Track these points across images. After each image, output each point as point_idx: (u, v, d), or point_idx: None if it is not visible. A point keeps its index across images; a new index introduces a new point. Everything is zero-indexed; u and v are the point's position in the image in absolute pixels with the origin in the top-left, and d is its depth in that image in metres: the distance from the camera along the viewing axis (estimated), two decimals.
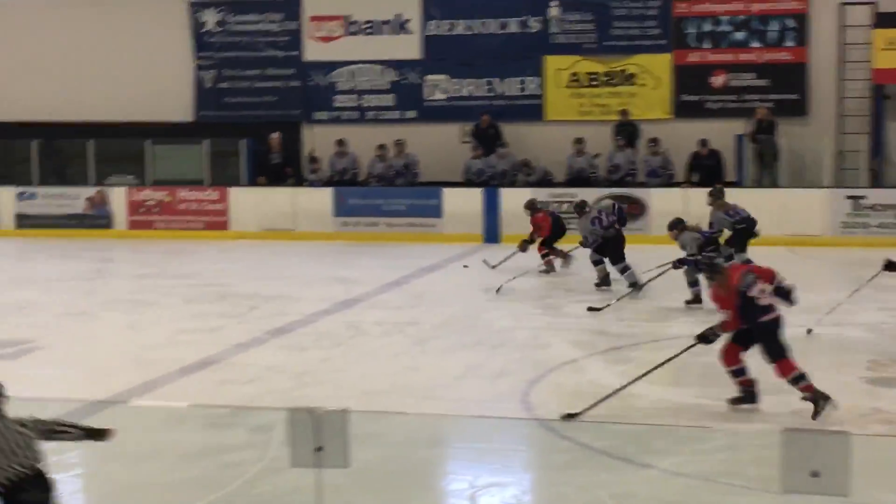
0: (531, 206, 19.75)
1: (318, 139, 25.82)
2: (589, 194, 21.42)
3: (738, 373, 10.52)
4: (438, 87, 25.56)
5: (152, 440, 10.08)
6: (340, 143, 25.27)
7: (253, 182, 25.23)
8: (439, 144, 25.07)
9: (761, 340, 10.26)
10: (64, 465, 9.55)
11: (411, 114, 25.67)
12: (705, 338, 10.44)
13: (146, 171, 25.47)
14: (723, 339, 10.52)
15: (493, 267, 19.27)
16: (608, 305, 15.70)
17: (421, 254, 20.60)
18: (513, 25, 25.24)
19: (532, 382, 11.57)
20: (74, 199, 25.19)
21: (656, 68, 24.71)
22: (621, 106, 24.60)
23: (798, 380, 10.19)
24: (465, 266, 20.18)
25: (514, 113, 25.09)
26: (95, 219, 25.04)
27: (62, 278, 19.44)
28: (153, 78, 26.12)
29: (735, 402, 10.55)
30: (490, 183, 24.04)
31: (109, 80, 26.29)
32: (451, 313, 15.67)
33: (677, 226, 15.92)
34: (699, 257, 14.95)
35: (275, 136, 25.39)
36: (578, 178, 23.88)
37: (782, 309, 10.44)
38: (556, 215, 19.78)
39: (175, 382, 12.22)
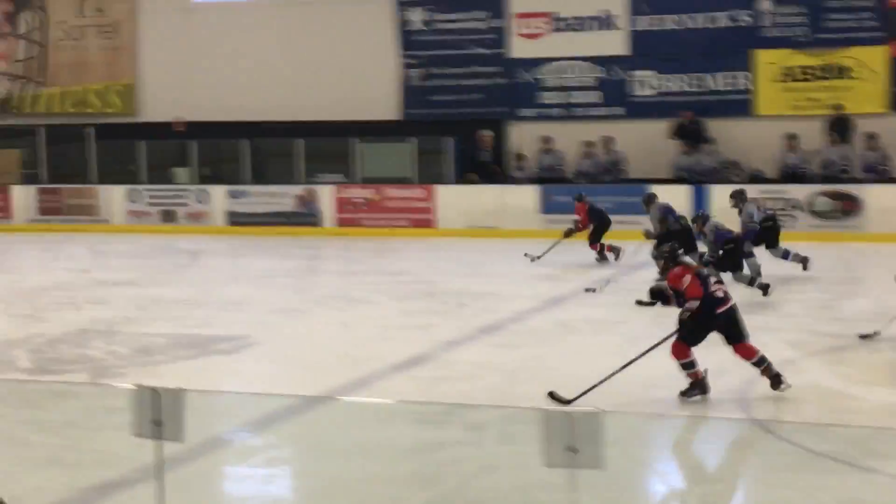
0: (577, 198, 20.20)
1: (523, 136, 25.72)
2: (801, 191, 20.80)
3: (689, 366, 10.79)
4: (645, 83, 25.20)
5: (366, 436, 10.10)
6: (546, 140, 25.15)
7: (459, 180, 25.26)
8: (646, 141, 24.71)
9: (721, 329, 10.71)
10: (277, 460, 9.65)
11: (618, 110, 25.37)
12: (684, 326, 10.70)
13: (353, 169, 25.74)
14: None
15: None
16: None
17: (628, 251, 20.27)
18: (722, 20, 24.71)
19: (750, 382, 11.23)
20: (283, 197, 25.60)
21: (872, 61, 23.91)
22: (834, 100, 23.87)
23: (759, 362, 10.78)
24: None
25: (722, 108, 24.57)
26: (304, 216, 25.40)
27: (273, 275, 19.73)
28: (360, 77, 26.39)
29: (686, 394, 10.80)
30: (698, 180, 23.60)
31: (317, 80, 26.65)
32: (663, 311, 15.35)
33: (697, 220, 16.72)
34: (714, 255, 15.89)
35: (486, 133, 25.41)
36: (791, 175, 23.26)
37: None
38: (598, 208, 20.07)
39: (387, 379, 12.24)
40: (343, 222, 25.19)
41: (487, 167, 25.35)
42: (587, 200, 20.25)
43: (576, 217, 20.12)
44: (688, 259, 11.39)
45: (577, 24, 25.48)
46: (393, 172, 25.39)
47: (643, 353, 10.92)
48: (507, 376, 12.14)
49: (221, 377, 12.52)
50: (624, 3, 25.13)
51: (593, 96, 25.52)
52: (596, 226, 19.99)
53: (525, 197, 24.00)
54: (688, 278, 10.72)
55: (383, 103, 26.35)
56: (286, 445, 10.18)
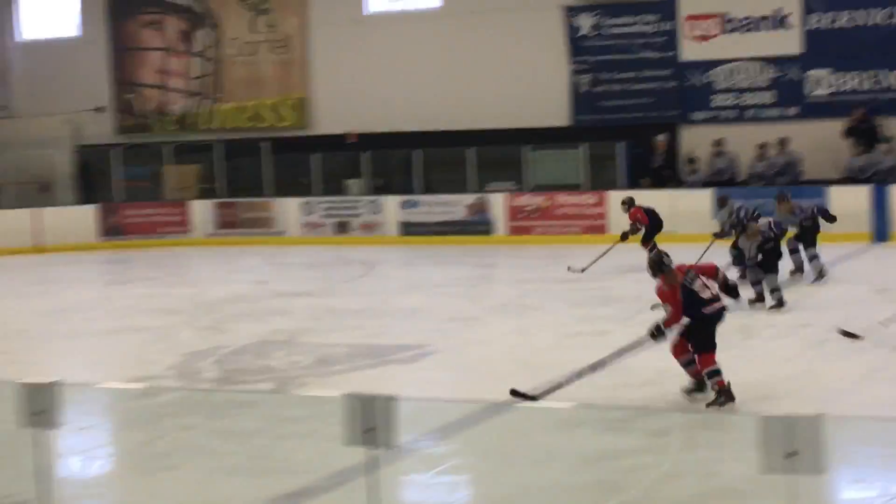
0: (628, 202, 20.20)
1: (695, 140, 25.43)
2: None
3: (689, 364, 10.96)
4: (821, 82, 24.70)
5: (548, 444, 10.07)
6: (718, 143, 24.83)
7: (631, 185, 25.07)
8: (822, 141, 24.22)
9: (697, 328, 10.78)
10: (459, 468, 9.66)
11: (792, 111, 24.92)
12: (654, 334, 10.95)
13: (524, 176, 25.74)
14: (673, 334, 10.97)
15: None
16: None
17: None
18: None
19: None
20: (455, 206, 25.73)
21: None
22: None
23: (713, 374, 10.70)
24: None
25: None
26: (476, 225, 25.50)
27: (447, 284, 19.83)
28: (530, 84, 26.39)
29: (689, 392, 11.00)
30: (876, 180, 23.03)
31: (487, 88, 26.73)
32: (844, 314, 15.02)
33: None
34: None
35: (661, 138, 25.22)
36: None
37: None
38: (652, 210, 20.13)
39: (565, 387, 12.18)
40: (515, 230, 25.20)
41: (660, 172, 25.12)
42: (639, 204, 20.27)
43: (632, 221, 20.08)
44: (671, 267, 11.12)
45: (749, 25, 25.10)
46: (564, 179, 25.33)
47: (615, 354, 11.52)
48: (687, 383, 11.98)
49: (400, 386, 12.60)
50: (797, 2, 24.68)
51: (766, 97, 25.11)
52: (650, 228, 20.05)
53: (698, 201, 23.70)
54: (666, 288, 10.94)
55: (553, 110, 26.31)
56: (468, 453, 10.20)
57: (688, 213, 23.65)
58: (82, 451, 10.28)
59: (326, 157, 27.53)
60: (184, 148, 28.96)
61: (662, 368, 12.59)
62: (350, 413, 6.52)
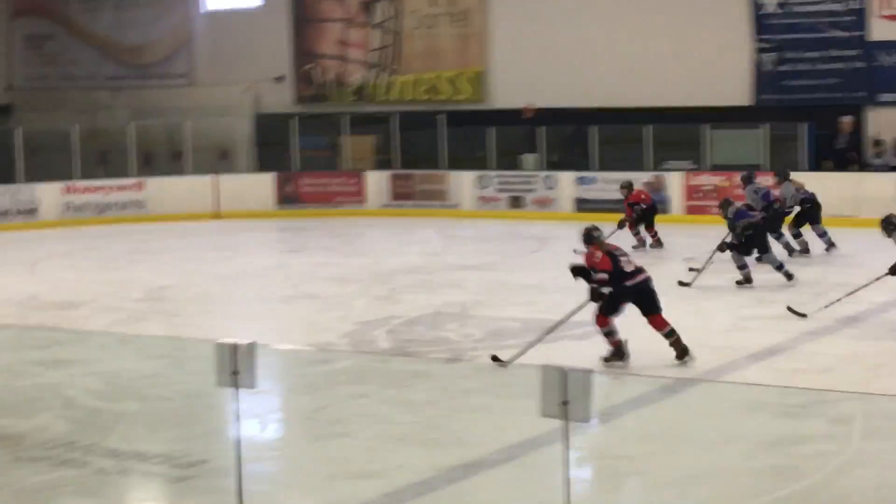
0: (628, 186, 21.06)
1: (882, 122, 24.69)
2: None
3: (609, 334, 12.05)
4: None
5: (723, 425, 9.89)
6: None
7: (814, 167, 24.47)
8: None
9: (635, 300, 12.01)
10: (630, 447, 9.52)
11: None
12: (595, 296, 11.88)
13: (703, 155, 25.33)
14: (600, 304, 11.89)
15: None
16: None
17: None
18: None
19: None
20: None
21: None
22: None
23: (670, 334, 12.00)
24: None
25: None
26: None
27: None
28: (711, 62, 25.93)
29: (607, 360, 12.01)
30: None
31: (668, 65, 26.35)
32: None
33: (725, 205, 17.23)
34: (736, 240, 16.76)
35: (846, 119, 24.55)
36: None
37: None
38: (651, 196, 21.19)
39: (744, 369, 11.95)
40: (691, 210, 24.83)
41: (843, 154, 24.46)
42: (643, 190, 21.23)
43: (634, 203, 20.78)
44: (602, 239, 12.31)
45: None
46: (744, 159, 24.80)
47: (566, 318, 12.27)
48: (868, 370, 11.67)
49: (573, 363, 12.48)
50: None
51: None
52: (648, 210, 20.85)
53: (883, 185, 23.02)
54: (598, 255, 11.94)
55: (734, 89, 25.82)
56: (642, 433, 10.06)
57: (872, 196, 22.95)
58: (258, 414, 10.43)
59: (502, 132, 27.46)
60: (361, 119, 29.18)
61: (841, 355, 12.29)
62: (546, 385, 6.46)
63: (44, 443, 9.78)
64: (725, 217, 17.23)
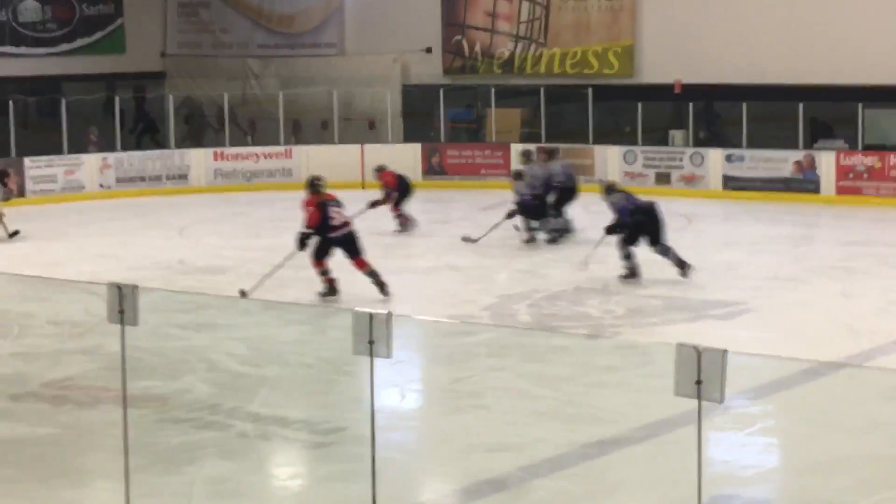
0: (379, 169, 21.34)
1: None
2: None
3: (323, 273, 14.36)
4: None
5: (869, 411, 9.68)
6: None
7: None
8: None
9: (341, 247, 14.31)
10: (773, 430, 9.35)
11: None
12: (300, 245, 14.37)
13: (857, 135, 24.75)
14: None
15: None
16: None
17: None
18: None
19: None
20: (781, 162, 24.96)
21: None
22: None
23: (372, 274, 14.32)
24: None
25: None
26: (802, 183, 24.67)
27: (768, 241, 19.29)
28: (868, 38, 25.28)
29: (322, 295, 14.30)
30: None
31: (820, 41, 25.75)
32: None
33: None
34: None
35: None
36: None
37: None
38: (402, 176, 21.23)
39: (891, 354, 11.69)
40: (842, 190, 24.29)
41: None
42: (390, 168, 21.29)
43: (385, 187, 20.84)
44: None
45: None
46: None
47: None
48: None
49: (715, 343, 12.30)
50: None
51: None
52: (400, 192, 20.88)
53: None
54: (310, 209, 14.24)
55: (893, 67, 25.14)
56: (783, 416, 9.90)
57: None
58: (397, 384, 10.49)
59: (650, 107, 27.13)
60: (508, 91, 29.06)
61: None
62: (681, 363, 6.38)
63: (188, 405, 9.98)
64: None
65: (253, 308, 14.15)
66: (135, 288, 6.62)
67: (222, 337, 12.60)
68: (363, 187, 26.17)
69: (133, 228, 21.12)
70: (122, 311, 6.71)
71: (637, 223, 15.72)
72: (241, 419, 9.53)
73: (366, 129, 29.41)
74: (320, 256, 14.37)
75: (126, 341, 7.30)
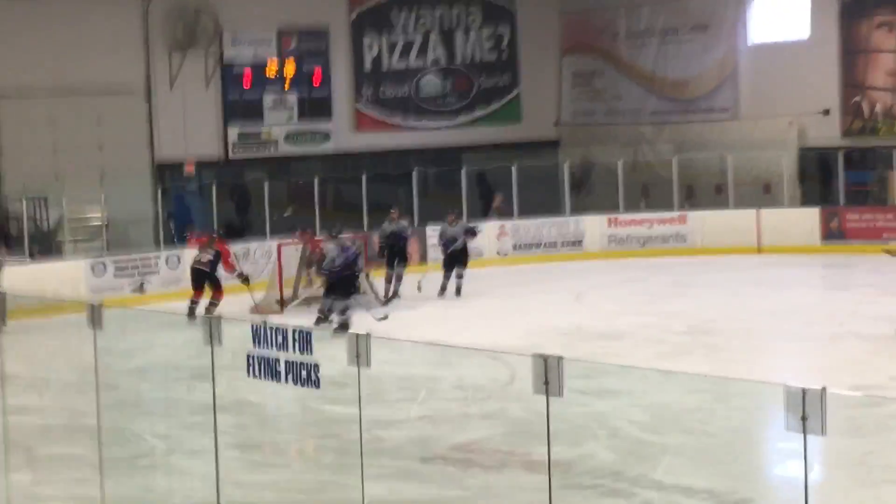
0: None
1: None
2: None
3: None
4: None
5: None
6: None
7: None
8: None
9: None
10: None
11: None
12: None
13: None
14: None
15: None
16: None
17: None
18: None
19: None
20: None
21: None
22: None
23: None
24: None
25: None
26: None
27: None
28: None
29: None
30: None
31: None
32: None
33: None
34: None
35: None
36: None
37: None
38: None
39: None
40: None
41: None
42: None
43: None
44: None
45: None
46: None
47: None
48: None
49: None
50: None
51: None
52: None
53: None
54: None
55: None
56: None
57: None
58: (800, 455, 10.18)
59: None
60: None
61: None
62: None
63: (591, 471, 10.03)
64: None
65: (652, 376, 14.09)
66: (560, 359, 6.69)
67: (624, 404, 12.61)
68: (759, 251, 25.80)
69: (530, 294, 21.52)
70: (546, 382, 6.80)
71: None
72: (645, 487, 9.50)
73: (761, 194, 28.94)
74: None
75: (535, 407, 7.38)
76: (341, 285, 18.02)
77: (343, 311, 17.85)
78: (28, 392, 13.76)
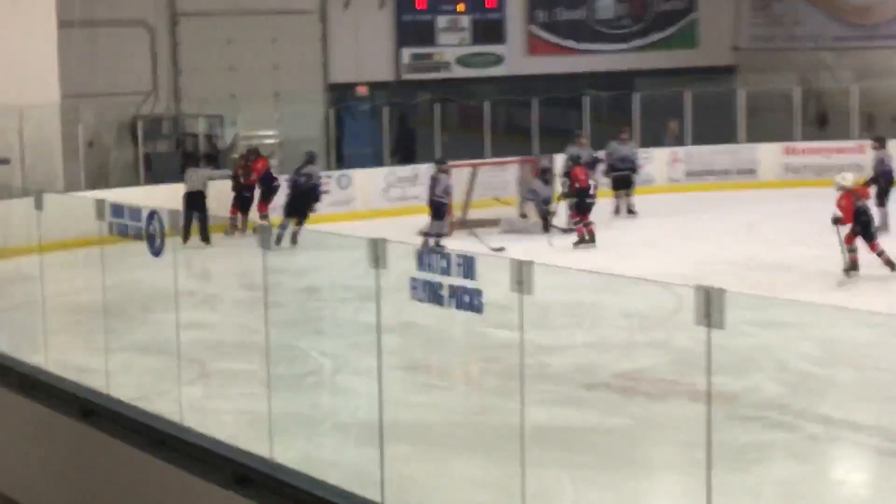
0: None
1: None
2: None
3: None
4: None
5: None
6: None
7: None
8: None
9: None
10: None
11: None
12: None
13: None
14: None
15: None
16: None
17: None
18: None
19: None
20: None
21: None
22: None
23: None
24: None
25: None
26: None
27: None
28: None
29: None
30: None
31: None
32: None
33: None
34: None
35: None
36: None
37: None
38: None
39: None
40: None
41: None
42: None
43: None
44: None
45: None
46: None
47: None
48: None
49: None
50: None
51: None
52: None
53: None
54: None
55: None
56: None
57: None
58: None
59: None
60: None
61: None
62: None
63: (756, 403, 9.91)
64: None
65: (823, 309, 13.82)
66: (723, 291, 6.58)
67: (792, 336, 12.39)
68: None
69: (701, 223, 21.24)
70: (708, 315, 6.70)
71: None
72: (811, 421, 9.35)
73: None
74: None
75: (701, 337, 7.27)
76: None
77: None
78: (201, 308, 14.13)
